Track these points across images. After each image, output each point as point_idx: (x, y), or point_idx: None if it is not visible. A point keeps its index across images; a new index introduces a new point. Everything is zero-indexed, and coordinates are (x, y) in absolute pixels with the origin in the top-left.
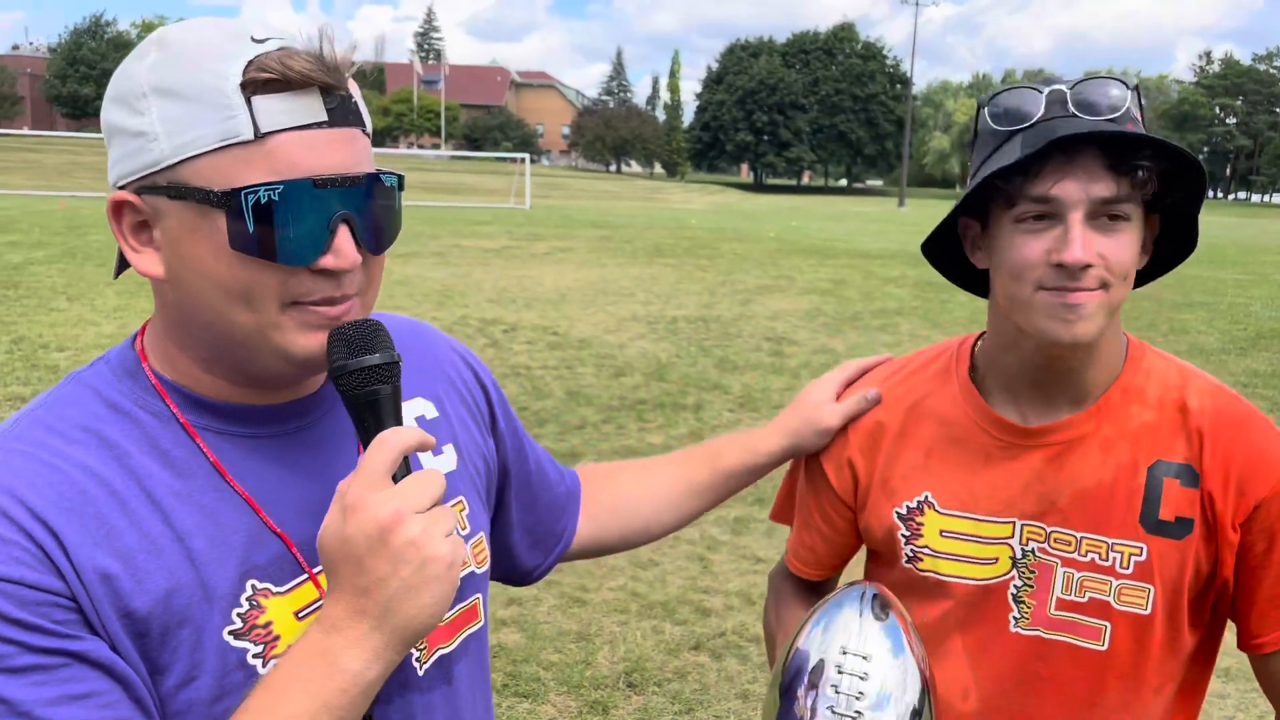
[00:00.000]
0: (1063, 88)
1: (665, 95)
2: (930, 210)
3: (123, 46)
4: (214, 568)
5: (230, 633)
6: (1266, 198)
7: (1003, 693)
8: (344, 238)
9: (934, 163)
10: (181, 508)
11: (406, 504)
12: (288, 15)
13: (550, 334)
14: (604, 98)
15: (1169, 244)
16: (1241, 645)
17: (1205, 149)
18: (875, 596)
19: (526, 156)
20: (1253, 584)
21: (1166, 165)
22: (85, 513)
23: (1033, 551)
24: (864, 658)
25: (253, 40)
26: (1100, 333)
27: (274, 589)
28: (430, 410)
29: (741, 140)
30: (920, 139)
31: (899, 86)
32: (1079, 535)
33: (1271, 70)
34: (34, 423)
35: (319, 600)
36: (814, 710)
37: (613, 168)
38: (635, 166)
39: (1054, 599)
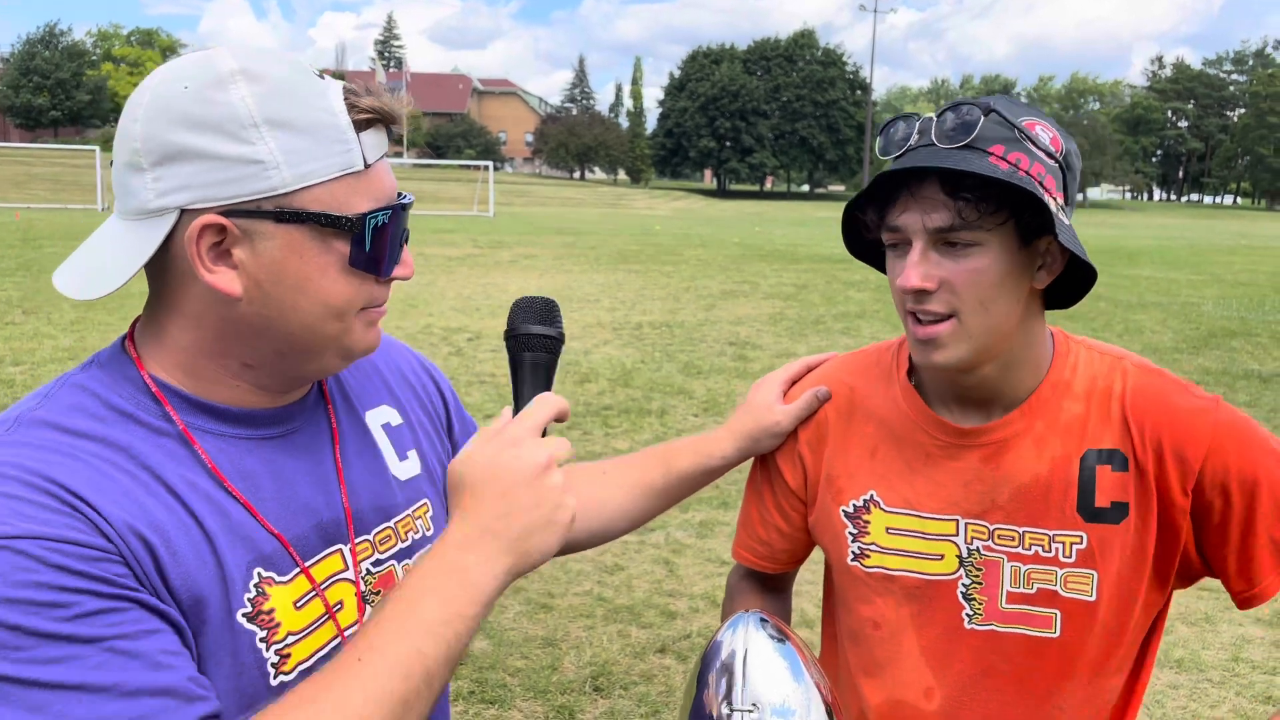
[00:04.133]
0: (930, 116)
1: (628, 102)
2: None
3: (77, 55)
4: (228, 553)
5: (243, 615)
6: (1218, 199)
7: (964, 689)
8: (407, 250)
9: None
10: (194, 495)
11: (556, 454)
12: (249, 22)
13: None
14: (567, 105)
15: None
16: (1240, 605)
17: (1159, 152)
18: (764, 621)
19: (490, 164)
20: (1219, 541)
21: (1001, 189)
22: (113, 490)
23: (978, 550)
24: (765, 666)
25: (316, 76)
26: (964, 360)
27: (277, 578)
28: (395, 418)
29: (704, 146)
30: None
31: (859, 92)
32: (1021, 530)
33: (1221, 74)
34: (35, 421)
35: (311, 592)
36: (720, 700)
37: (576, 175)
38: (599, 173)
39: (1004, 593)
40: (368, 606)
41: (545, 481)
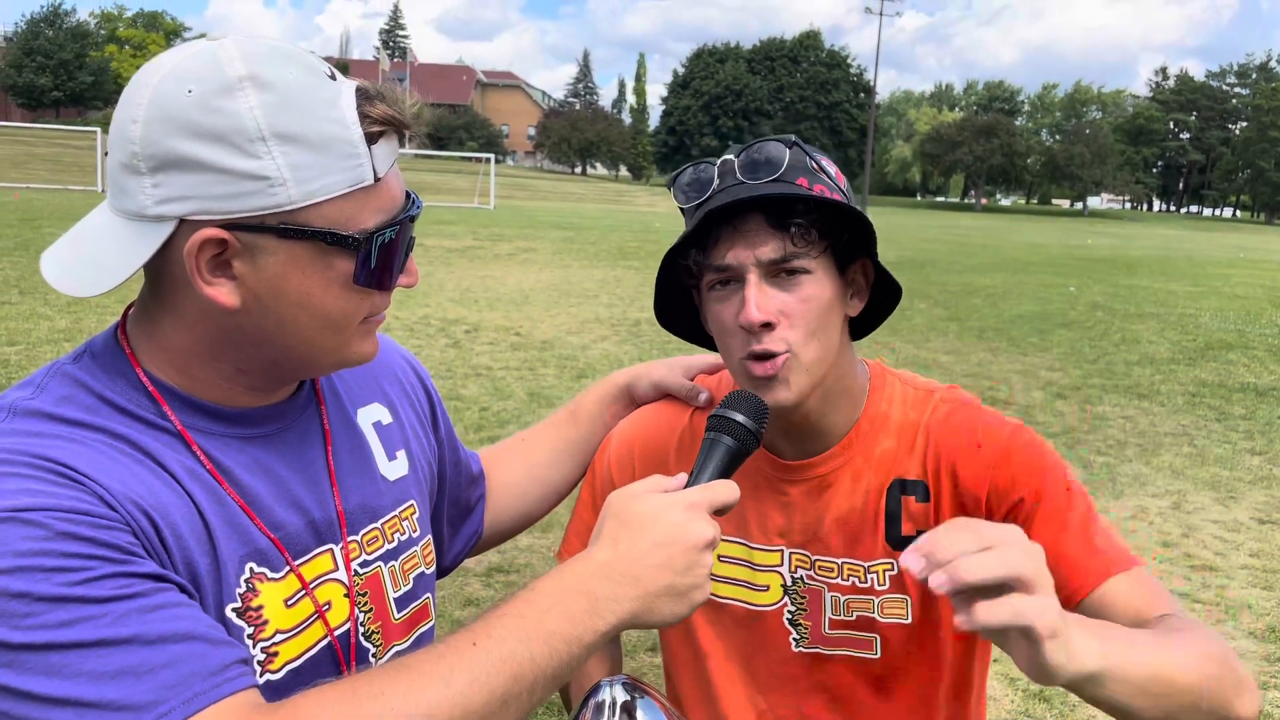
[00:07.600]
0: (731, 157)
1: (632, 98)
2: (892, 218)
3: (81, 36)
4: (223, 545)
5: (233, 609)
6: (1217, 211)
7: (795, 708)
8: (412, 257)
9: (896, 171)
10: (194, 483)
11: (715, 539)
12: (257, 8)
13: (513, 335)
14: (570, 99)
15: (882, 289)
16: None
17: (1159, 163)
18: (624, 684)
19: (491, 157)
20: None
21: (826, 213)
22: (116, 470)
23: (801, 579)
24: None
25: (328, 77)
26: (803, 393)
27: (269, 574)
28: (386, 416)
29: (706, 145)
30: (883, 148)
31: (863, 95)
32: (839, 561)
33: (1224, 87)
34: (29, 412)
35: (301, 591)
36: None
37: (578, 170)
38: (600, 169)
39: (826, 620)
40: (357, 609)
41: (701, 557)
